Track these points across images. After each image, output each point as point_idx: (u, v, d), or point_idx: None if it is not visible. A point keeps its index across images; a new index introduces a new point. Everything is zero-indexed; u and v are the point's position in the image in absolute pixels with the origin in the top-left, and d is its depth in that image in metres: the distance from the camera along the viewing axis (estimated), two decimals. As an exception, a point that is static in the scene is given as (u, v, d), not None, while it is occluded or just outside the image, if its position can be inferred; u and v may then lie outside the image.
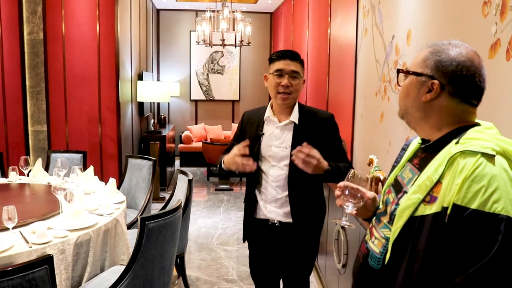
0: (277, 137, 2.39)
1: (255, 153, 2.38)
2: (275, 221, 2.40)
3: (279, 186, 2.37)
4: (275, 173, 2.37)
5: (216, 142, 7.56)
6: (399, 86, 1.36)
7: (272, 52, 9.88)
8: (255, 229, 2.51)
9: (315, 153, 2.11)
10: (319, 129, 2.36)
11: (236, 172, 2.38)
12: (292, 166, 2.29)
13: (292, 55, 2.34)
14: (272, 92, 2.37)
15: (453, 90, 1.22)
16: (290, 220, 2.38)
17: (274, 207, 2.40)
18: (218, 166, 2.49)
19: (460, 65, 1.20)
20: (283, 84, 2.30)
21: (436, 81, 1.23)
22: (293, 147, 2.30)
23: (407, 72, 1.31)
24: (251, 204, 2.49)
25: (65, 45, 5.38)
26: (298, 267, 2.49)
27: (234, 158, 2.27)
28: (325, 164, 2.16)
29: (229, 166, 2.35)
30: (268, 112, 2.43)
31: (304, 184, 2.36)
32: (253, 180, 2.46)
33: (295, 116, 2.36)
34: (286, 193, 2.36)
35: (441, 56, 1.23)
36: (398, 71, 1.36)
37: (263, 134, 2.42)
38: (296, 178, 2.33)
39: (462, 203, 1.07)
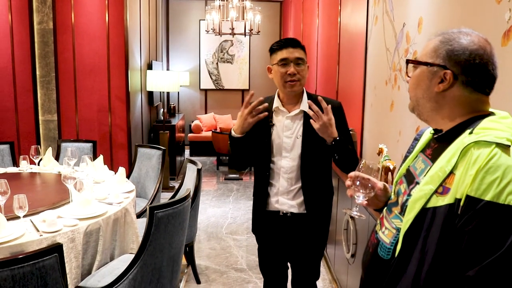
0: (287, 127, 2.34)
1: (266, 145, 2.35)
2: (287, 213, 2.37)
3: (291, 178, 2.33)
4: (287, 165, 2.33)
5: (226, 132, 7.56)
6: (409, 77, 1.33)
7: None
8: (265, 221, 2.46)
9: (332, 119, 2.17)
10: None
11: (244, 137, 2.28)
12: (303, 156, 2.28)
13: (294, 42, 2.30)
14: (280, 82, 2.31)
15: (466, 79, 1.19)
16: (303, 210, 2.35)
17: (286, 199, 2.36)
18: (229, 142, 2.35)
19: (473, 53, 1.17)
20: (289, 73, 2.25)
21: (448, 71, 1.19)
22: (304, 136, 2.28)
23: (418, 63, 1.28)
24: (261, 197, 2.44)
25: (74, 35, 5.39)
26: (309, 255, 2.47)
27: (242, 117, 2.23)
28: (335, 132, 2.19)
29: (239, 127, 2.26)
30: (277, 103, 2.37)
31: (316, 174, 2.34)
32: (263, 172, 2.40)
33: (304, 105, 2.31)
34: (299, 184, 2.33)
35: (453, 45, 1.20)
36: (408, 61, 1.32)
37: (273, 125, 2.36)
38: (309, 168, 2.31)
39: (475, 195, 1.05)
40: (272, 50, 2.33)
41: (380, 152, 3.11)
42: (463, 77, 1.19)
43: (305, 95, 2.35)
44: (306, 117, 2.29)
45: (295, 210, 2.35)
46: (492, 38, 1.95)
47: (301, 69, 2.29)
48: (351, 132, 2.46)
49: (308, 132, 2.26)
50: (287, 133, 2.34)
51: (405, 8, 3.09)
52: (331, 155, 2.26)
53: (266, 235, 2.51)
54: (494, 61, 1.19)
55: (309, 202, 2.33)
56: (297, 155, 2.31)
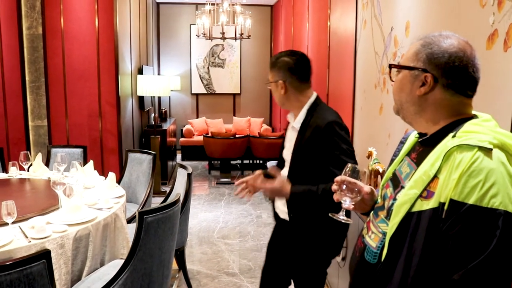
0: (289, 139, 2.37)
1: (280, 151, 2.48)
2: (283, 218, 2.40)
3: None
4: (283, 172, 2.34)
5: (217, 136, 7.55)
6: (392, 81, 1.34)
7: (272, 45, 9.85)
8: (275, 221, 2.54)
9: (261, 184, 2.18)
10: (313, 139, 2.17)
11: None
12: (291, 170, 2.27)
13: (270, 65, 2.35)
14: None
15: (447, 82, 1.20)
16: (286, 218, 2.35)
17: (281, 204, 2.39)
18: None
19: (453, 56, 1.18)
20: None
21: (429, 74, 1.21)
22: (293, 151, 2.26)
23: (400, 67, 1.29)
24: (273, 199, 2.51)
25: (64, 40, 5.37)
26: (302, 266, 2.39)
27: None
28: (286, 190, 2.15)
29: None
30: (290, 113, 2.38)
31: (303, 183, 2.22)
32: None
33: (298, 121, 2.27)
34: None
35: (432, 48, 1.21)
36: (390, 66, 1.34)
37: (285, 135, 2.47)
38: (294, 177, 2.24)
39: (459, 199, 1.06)
40: None
41: (369, 155, 3.13)
42: (444, 80, 1.20)
43: (303, 110, 2.26)
44: (298, 133, 2.26)
45: (283, 216, 2.38)
46: (477, 41, 1.98)
47: (273, 90, 2.34)
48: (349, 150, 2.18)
49: (295, 150, 2.25)
50: (287, 145, 2.38)
51: (393, 12, 3.12)
52: (320, 172, 2.15)
53: (272, 234, 2.60)
54: (475, 63, 1.20)
55: (292, 211, 2.30)
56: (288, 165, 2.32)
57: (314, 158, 2.16)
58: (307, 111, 2.25)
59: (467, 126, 1.17)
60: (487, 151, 1.08)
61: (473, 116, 1.23)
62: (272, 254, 2.57)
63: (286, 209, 2.32)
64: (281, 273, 2.53)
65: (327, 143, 2.12)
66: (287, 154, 2.34)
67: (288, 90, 2.26)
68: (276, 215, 2.51)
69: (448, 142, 1.15)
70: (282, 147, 2.46)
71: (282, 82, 2.25)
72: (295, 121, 2.28)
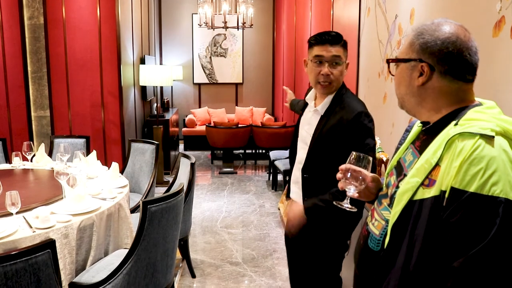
0: (307, 121, 2.31)
1: (295, 133, 2.42)
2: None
3: (300, 168, 2.30)
4: (301, 155, 2.32)
5: (220, 126, 7.54)
6: (392, 75, 1.34)
7: (275, 34, 9.80)
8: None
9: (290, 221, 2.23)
10: (339, 129, 2.13)
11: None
12: (310, 153, 2.23)
13: (333, 39, 2.13)
14: (312, 80, 2.20)
15: (444, 69, 1.19)
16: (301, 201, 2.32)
17: (296, 188, 2.36)
18: None
19: (445, 42, 1.18)
20: (322, 73, 2.13)
21: (424, 64, 1.21)
22: (313, 137, 2.22)
23: (397, 60, 1.30)
24: (288, 183, 2.48)
25: (66, 30, 5.35)
26: (310, 260, 2.36)
27: None
28: (299, 210, 2.18)
29: None
30: (310, 94, 2.32)
31: (321, 170, 2.21)
32: (292, 158, 2.45)
33: (323, 106, 2.21)
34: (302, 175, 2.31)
35: (425, 37, 1.21)
36: (388, 61, 1.34)
37: (301, 115, 2.41)
38: (313, 167, 2.23)
39: (460, 186, 1.06)
40: (309, 44, 2.20)
41: (373, 144, 3.11)
42: (439, 67, 1.19)
43: (330, 96, 2.21)
44: (321, 118, 2.22)
45: (299, 201, 2.32)
46: (483, 28, 1.96)
47: (337, 70, 2.15)
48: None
49: (318, 134, 2.20)
50: (305, 127, 2.32)
51: (397, -1, 3.09)
52: (339, 159, 2.05)
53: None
54: (470, 46, 1.19)
55: (308, 196, 2.26)
56: (307, 151, 2.27)
57: (337, 145, 2.11)
58: (334, 97, 2.21)
59: (470, 113, 1.16)
60: (489, 139, 1.08)
61: (477, 104, 1.22)
62: (292, 251, 2.54)
63: (301, 193, 2.29)
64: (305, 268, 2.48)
65: (354, 134, 2.09)
66: (305, 136, 2.29)
67: None
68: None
69: (450, 130, 1.15)
70: (296, 131, 2.42)
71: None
72: (320, 106, 2.21)
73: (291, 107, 3.23)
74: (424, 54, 1.21)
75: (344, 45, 2.18)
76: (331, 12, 4.95)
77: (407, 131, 1.49)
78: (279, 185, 6.42)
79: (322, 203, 2.12)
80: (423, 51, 1.21)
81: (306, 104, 2.41)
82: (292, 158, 2.45)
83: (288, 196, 2.53)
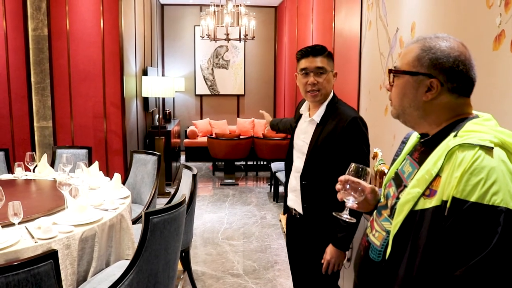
0: (303, 131, 2.41)
1: (290, 144, 2.52)
2: (296, 213, 2.42)
3: (298, 177, 2.38)
4: (297, 164, 2.41)
5: (222, 137, 7.56)
6: (391, 86, 1.34)
7: (276, 47, 9.85)
8: (288, 216, 2.56)
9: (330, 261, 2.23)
10: (336, 135, 2.24)
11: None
12: (308, 161, 2.31)
13: (315, 51, 2.28)
14: (302, 91, 2.35)
15: (452, 86, 1.21)
16: (301, 211, 2.37)
17: (294, 195, 2.43)
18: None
19: (457, 60, 1.20)
20: (309, 83, 2.27)
21: (434, 80, 1.22)
22: (310, 145, 2.31)
23: (402, 72, 1.29)
24: (285, 192, 2.56)
25: (69, 41, 5.39)
26: (310, 268, 2.38)
27: None
28: (334, 248, 2.21)
29: None
30: (304, 106, 2.45)
31: (319, 176, 2.30)
32: (287, 168, 2.54)
33: (318, 114, 2.32)
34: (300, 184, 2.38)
35: (435, 53, 1.22)
36: (390, 71, 1.33)
37: (295, 126, 2.50)
38: (311, 174, 2.31)
39: (461, 196, 1.07)
40: (297, 58, 2.36)
41: (375, 156, 3.13)
42: (449, 84, 1.21)
43: (324, 104, 2.33)
44: (317, 126, 2.33)
45: (298, 209, 2.40)
46: (483, 42, 1.98)
47: (322, 79, 2.28)
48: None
49: (314, 142, 2.30)
50: (301, 136, 2.41)
51: (398, 13, 3.12)
52: (336, 165, 2.13)
53: (287, 229, 2.61)
54: (473, 64, 1.22)
55: (307, 204, 2.34)
56: (304, 159, 2.35)
57: (334, 151, 2.22)
58: (327, 105, 2.32)
59: (469, 125, 1.18)
60: (488, 150, 1.09)
61: (474, 116, 1.24)
62: (294, 258, 2.57)
63: (300, 200, 2.37)
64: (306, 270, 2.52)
65: (350, 139, 2.21)
66: (302, 145, 2.38)
67: None
68: (288, 213, 2.54)
69: (449, 141, 1.16)
70: (292, 142, 2.51)
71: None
72: (315, 114, 2.33)
73: (272, 127, 3.20)
74: (435, 70, 1.21)
75: (328, 55, 2.31)
76: (333, 25, 4.99)
77: (403, 142, 1.51)
78: (281, 197, 6.41)
79: (343, 231, 2.19)
80: (434, 67, 1.21)
81: (299, 117, 2.51)
82: (288, 168, 2.54)
83: (285, 208, 2.58)
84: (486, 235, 1.04)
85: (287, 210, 2.56)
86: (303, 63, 2.29)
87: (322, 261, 2.25)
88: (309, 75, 2.27)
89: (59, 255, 1.94)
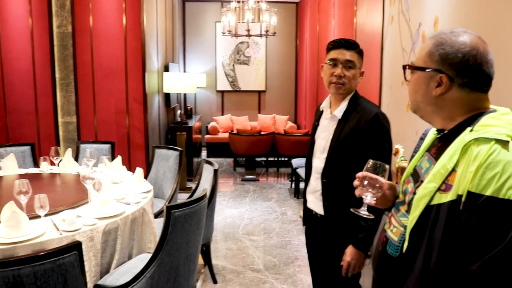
0: (324, 128, 2.36)
1: (311, 142, 2.44)
2: (316, 214, 2.37)
3: (319, 178, 2.33)
4: (317, 164, 2.35)
5: (243, 133, 7.58)
6: (407, 81, 1.35)
7: (298, 43, 9.82)
8: (307, 217, 2.51)
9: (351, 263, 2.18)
10: (358, 131, 2.19)
11: None
12: (329, 158, 2.26)
13: (348, 44, 2.24)
14: (326, 82, 2.29)
15: (463, 81, 1.20)
16: (323, 212, 2.32)
17: (313, 197, 2.38)
18: None
19: (466, 55, 1.19)
20: (335, 74, 2.22)
21: (444, 75, 1.21)
22: (332, 142, 2.26)
23: (414, 68, 1.30)
24: (304, 193, 2.51)
25: (92, 38, 5.47)
26: (330, 269, 2.34)
27: None
28: (354, 249, 2.16)
29: None
30: (325, 103, 2.39)
31: (340, 173, 2.24)
32: (307, 169, 2.47)
33: (340, 110, 2.27)
34: (321, 185, 2.32)
35: (445, 48, 1.21)
36: (404, 67, 1.35)
37: (318, 124, 2.43)
38: (332, 172, 2.26)
39: (476, 190, 1.07)
40: (327, 49, 2.30)
41: (396, 153, 3.10)
42: (459, 79, 1.21)
43: (346, 100, 2.28)
44: (339, 122, 2.27)
45: (319, 210, 2.35)
46: (507, 36, 1.95)
47: (350, 73, 2.23)
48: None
49: (337, 140, 2.24)
50: (322, 135, 2.36)
51: (421, 7, 3.08)
52: (358, 162, 2.01)
53: (307, 231, 2.57)
54: (489, 60, 1.20)
55: (329, 205, 2.29)
56: (325, 156, 2.30)
57: (356, 147, 2.17)
58: (349, 101, 2.28)
59: (485, 119, 1.18)
60: (504, 144, 1.09)
61: (491, 110, 1.23)
62: (314, 258, 2.54)
63: (319, 203, 2.32)
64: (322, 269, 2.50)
65: (372, 135, 2.16)
66: (322, 143, 2.33)
67: None
68: (308, 214, 2.47)
69: (465, 136, 1.16)
70: (313, 138, 2.44)
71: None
72: (337, 110, 2.27)
73: None
74: (444, 65, 1.21)
75: (359, 52, 2.27)
76: (354, 20, 4.96)
77: (422, 139, 1.51)
78: (301, 193, 6.40)
79: (363, 231, 2.14)
80: (443, 62, 1.22)
81: (320, 114, 2.44)
82: (308, 169, 2.47)
83: (305, 211, 2.52)
84: (502, 229, 1.04)
85: (306, 212, 2.50)
86: (333, 53, 2.24)
87: (342, 263, 2.19)
88: (337, 67, 2.22)
89: (83, 247, 1.99)
